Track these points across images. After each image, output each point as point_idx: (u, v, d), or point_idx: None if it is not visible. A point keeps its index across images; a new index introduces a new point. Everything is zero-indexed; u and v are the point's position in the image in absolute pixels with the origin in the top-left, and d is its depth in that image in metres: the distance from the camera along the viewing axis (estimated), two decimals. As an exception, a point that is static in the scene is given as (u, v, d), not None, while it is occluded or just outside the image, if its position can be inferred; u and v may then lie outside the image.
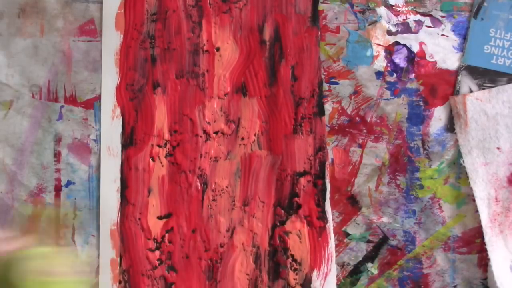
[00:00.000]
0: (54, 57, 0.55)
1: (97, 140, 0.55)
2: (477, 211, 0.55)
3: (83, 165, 0.55)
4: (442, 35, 0.55)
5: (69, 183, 0.55)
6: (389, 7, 0.55)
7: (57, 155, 0.55)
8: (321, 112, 0.55)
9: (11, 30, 0.55)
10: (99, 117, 0.55)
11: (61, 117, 0.55)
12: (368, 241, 0.56)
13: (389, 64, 0.55)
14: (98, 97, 0.55)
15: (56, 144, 0.55)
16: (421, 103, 0.55)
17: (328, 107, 0.55)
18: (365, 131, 0.55)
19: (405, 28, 0.55)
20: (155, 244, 0.55)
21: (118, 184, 0.55)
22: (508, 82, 0.55)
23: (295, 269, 0.55)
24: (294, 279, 0.55)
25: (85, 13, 0.55)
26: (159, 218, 0.55)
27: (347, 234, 0.56)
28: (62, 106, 0.55)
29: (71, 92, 0.55)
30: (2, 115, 0.55)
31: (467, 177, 0.55)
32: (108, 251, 0.55)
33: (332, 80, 0.55)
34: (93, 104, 0.55)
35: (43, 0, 0.55)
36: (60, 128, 0.55)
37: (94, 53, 0.55)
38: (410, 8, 0.55)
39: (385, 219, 0.56)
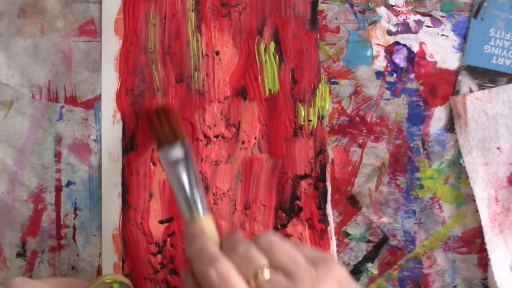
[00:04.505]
0: (54, 57, 0.55)
1: (98, 141, 0.55)
2: (477, 211, 0.55)
3: (84, 165, 0.55)
4: (442, 35, 0.55)
5: (69, 183, 0.55)
6: (389, 7, 0.55)
7: (57, 155, 0.55)
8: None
9: (11, 30, 0.55)
10: (99, 117, 0.55)
11: (62, 118, 0.55)
12: (368, 241, 0.56)
13: (389, 64, 0.55)
14: (98, 98, 0.55)
15: (57, 144, 0.55)
16: (421, 103, 0.55)
17: (328, 107, 0.55)
18: (365, 131, 0.55)
19: (405, 28, 0.55)
20: (157, 248, 0.55)
21: (119, 189, 0.55)
22: (508, 82, 0.55)
23: (296, 270, 0.55)
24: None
25: (85, 13, 0.54)
26: (161, 222, 0.55)
27: (347, 234, 0.56)
28: (62, 106, 0.55)
29: (71, 92, 0.55)
30: (3, 115, 0.55)
31: (467, 177, 0.55)
32: (111, 256, 0.55)
33: (332, 80, 0.55)
34: (93, 104, 0.55)
35: (43, 0, 0.54)
36: (60, 128, 0.55)
37: (94, 53, 0.55)
38: (410, 8, 0.55)
39: (385, 219, 0.56)
